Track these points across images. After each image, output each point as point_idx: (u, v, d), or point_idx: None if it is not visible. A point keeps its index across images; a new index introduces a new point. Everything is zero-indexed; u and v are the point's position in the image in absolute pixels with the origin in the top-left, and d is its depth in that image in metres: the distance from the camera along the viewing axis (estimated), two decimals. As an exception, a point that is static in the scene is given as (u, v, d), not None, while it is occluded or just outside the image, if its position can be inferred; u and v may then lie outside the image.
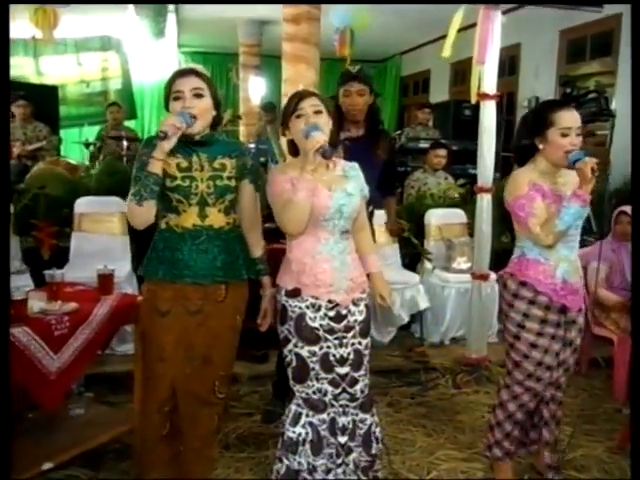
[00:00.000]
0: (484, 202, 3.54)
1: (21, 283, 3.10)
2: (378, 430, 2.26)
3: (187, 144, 2.02)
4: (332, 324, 2.11)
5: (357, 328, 2.15)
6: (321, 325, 2.09)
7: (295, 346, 2.11)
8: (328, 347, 2.11)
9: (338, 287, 2.10)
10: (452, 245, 4.28)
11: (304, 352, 2.10)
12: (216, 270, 2.06)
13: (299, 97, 2.07)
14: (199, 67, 2.08)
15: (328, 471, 2.17)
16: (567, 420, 3.06)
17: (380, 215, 3.28)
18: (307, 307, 2.09)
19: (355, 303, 2.15)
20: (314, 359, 2.10)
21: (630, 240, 3.58)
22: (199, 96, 1.99)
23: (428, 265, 4.22)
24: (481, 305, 3.59)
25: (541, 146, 2.26)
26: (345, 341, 2.13)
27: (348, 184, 2.12)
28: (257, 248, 2.22)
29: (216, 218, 2.06)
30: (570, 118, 2.21)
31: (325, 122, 2.05)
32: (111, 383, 3.17)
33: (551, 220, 2.19)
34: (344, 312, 2.12)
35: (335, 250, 2.10)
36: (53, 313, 2.22)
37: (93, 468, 2.52)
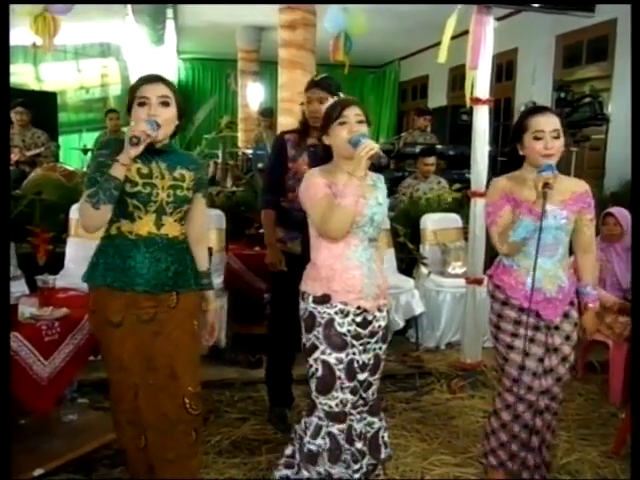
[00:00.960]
0: (478, 206, 3.55)
1: (16, 289, 3.10)
2: (387, 435, 2.27)
3: (147, 151, 1.96)
4: (359, 330, 2.11)
5: (380, 334, 2.17)
6: (349, 331, 2.09)
7: (323, 353, 2.09)
8: (354, 353, 2.11)
9: (367, 294, 2.10)
10: (447, 250, 4.28)
11: (332, 359, 2.08)
12: (167, 280, 2.02)
13: (343, 105, 2.08)
14: (165, 76, 2.06)
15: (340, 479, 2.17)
16: (563, 425, 3.07)
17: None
18: (336, 313, 2.08)
19: (380, 309, 2.17)
20: (341, 367, 2.09)
21: (617, 241, 3.62)
22: (166, 104, 1.96)
23: (424, 270, 4.22)
24: (475, 309, 3.59)
25: (521, 152, 2.26)
26: (369, 347, 2.15)
27: (379, 194, 2.15)
28: (204, 262, 2.19)
29: (171, 227, 2.03)
30: (542, 121, 2.20)
31: (366, 131, 2.07)
32: (105, 389, 3.14)
33: (507, 230, 2.20)
34: (370, 318, 2.13)
35: (364, 257, 2.11)
36: (44, 319, 2.23)
37: (86, 474, 2.51)
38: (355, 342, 2.11)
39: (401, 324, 4.00)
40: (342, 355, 2.08)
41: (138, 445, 2.11)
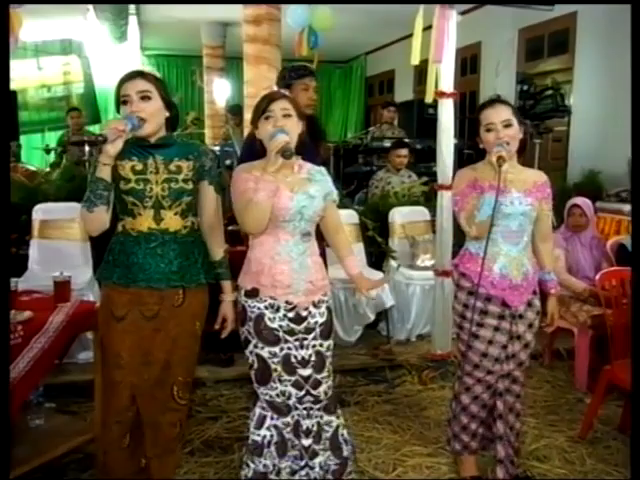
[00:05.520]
0: (444, 199, 3.59)
1: (-23, 293, 3.02)
2: (346, 432, 2.26)
3: (143, 147, 2.01)
4: (292, 325, 2.10)
5: (318, 330, 2.15)
6: (280, 326, 2.09)
7: (255, 347, 2.10)
8: (289, 348, 2.10)
9: (296, 289, 2.09)
10: (416, 243, 4.32)
11: (265, 353, 2.09)
12: (172, 274, 2.03)
13: (270, 99, 2.06)
14: (148, 69, 2.06)
15: (293, 473, 2.17)
16: (531, 412, 3.13)
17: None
18: (266, 307, 2.08)
19: (316, 305, 2.15)
20: (275, 360, 2.09)
21: (582, 231, 3.69)
22: (146, 98, 1.96)
23: (393, 263, 4.24)
24: (444, 301, 3.62)
25: (481, 145, 2.32)
26: (306, 343, 2.13)
27: (311, 187, 2.12)
28: (217, 251, 2.18)
29: (172, 221, 2.03)
30: (491, 114, 2.26)
31: (293, 125, 2.05)
32: (73, 392, 3.11)
33: (473, 212, 2.25)
34: (304, 314, 2.12)
35: (294, 252, 2.10)
36: (6, 323, 2.17)
37: (54, 479, 2.47)
38: (289, 337, 2.10)
39: (372, 317, 4.02)
40: (275, 349, 2.09)
41: (121, 445, 2.10)
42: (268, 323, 2.08)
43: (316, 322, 2.14)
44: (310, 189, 2.11)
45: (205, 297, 2.17)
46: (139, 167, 2.00)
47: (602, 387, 2.86)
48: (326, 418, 2.19)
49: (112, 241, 2.08)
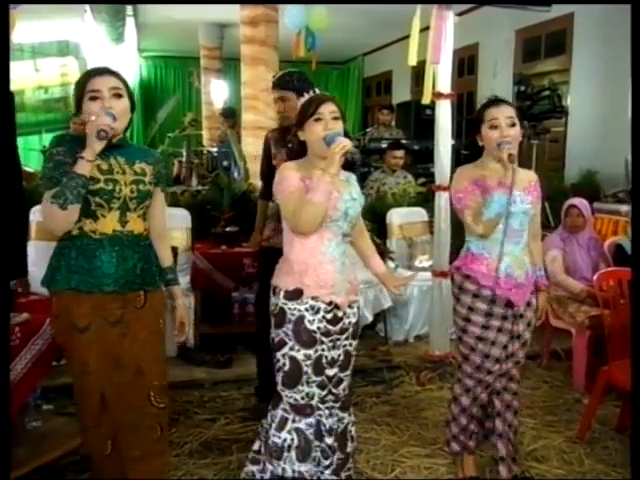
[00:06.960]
0: (442, 200, 3.59)
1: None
2: (354, 429, 2.29)
3: (104, 147, 1.88)
4: (329, 327, 2.11)
5: (350, 330, 2.18)
6: (318, 328, 2.09)
7: (291, 349, 2.09)
8: (322, 350, 2.11)
9: (339, 289, 2.10)
10: (414, 243, 4.33)
11: (300, 355, 2.08)
12: (135, 278, 1.98)
13: (318, 101, 2.08)
14: (117, 69, 1.98)
15: (311, 475, 2.17)
16: (529, 412, 3.13)
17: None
18: (306, 309, 2.07)
19: (350, 305, 2.17)
20: (308, 362, 2.09)
21: (579, 232, 3.70)
22: (118, 96, 1.90)
23: (391, 264, 4.24)
24: (442, 302, 3.63)
25: (481, 143, 2.32)
26: (338, 343, 2.15)
27: (352, 189, 2.16)
28: (168, 257, 2.16)
29: (136, 224, 1.98)
30: (496, 111, 2.27)
31: (341, 129, 2.08)
32: (71, 394, 3.04)
33: (480, 210, 2.25)
34: (340, 314, 2.13)
35: (337, 252, 2.11)
36: (4, 325, 2.17)
37: (52, 481, 2.47)
38: (324, 339, 2.10)
39: (370, 318, 4.01)
40: (311, 352, 2.08)
41: (104, 452, 2.07)
42: (308, 325, 2.07)
43: (350, 322, 2.17)
44: (352, 191, 2.15)
45: (163, 297, 2.14)
46: (104, 166, 1.91)
47: (600, 387, 2.86)
48: (340, 415, 2.22)
49: (64, 245, 1.93)
